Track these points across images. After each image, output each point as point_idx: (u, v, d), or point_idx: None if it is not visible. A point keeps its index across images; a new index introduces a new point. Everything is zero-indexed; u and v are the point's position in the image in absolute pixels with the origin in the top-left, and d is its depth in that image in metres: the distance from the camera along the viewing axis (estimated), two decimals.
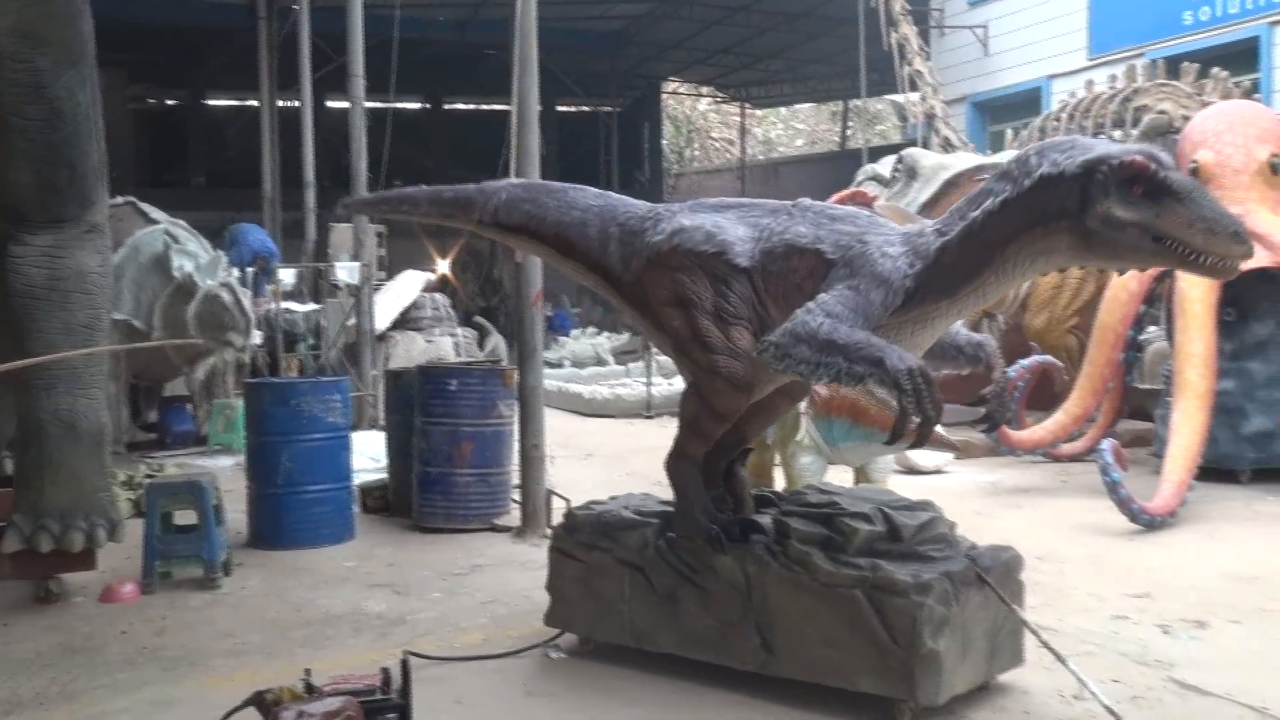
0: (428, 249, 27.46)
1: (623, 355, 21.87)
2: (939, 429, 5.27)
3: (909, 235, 4.66)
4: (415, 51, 22.31)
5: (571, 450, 12.08)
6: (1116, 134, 14.43)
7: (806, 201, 5.04)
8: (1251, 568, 6.97)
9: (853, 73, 23.24)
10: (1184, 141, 10.15)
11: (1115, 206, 4.11)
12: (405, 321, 15.89)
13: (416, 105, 35.05)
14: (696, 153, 48.07)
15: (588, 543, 5.43)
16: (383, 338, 14.97)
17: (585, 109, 37.00)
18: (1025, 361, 9.39)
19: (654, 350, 17.35)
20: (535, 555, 7.26)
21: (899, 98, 20.17)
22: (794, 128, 49.47)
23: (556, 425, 12.05)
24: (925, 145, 17.48)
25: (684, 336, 4.97)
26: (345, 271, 13.83)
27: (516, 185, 5.71)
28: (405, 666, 4.31)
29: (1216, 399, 9.04)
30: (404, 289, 16.28)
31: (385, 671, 4.32)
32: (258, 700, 4.05)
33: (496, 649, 5.58)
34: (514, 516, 8.42)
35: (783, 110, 46.63)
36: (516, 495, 8.49)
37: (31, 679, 5.33)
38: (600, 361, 21.38)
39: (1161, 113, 13.58)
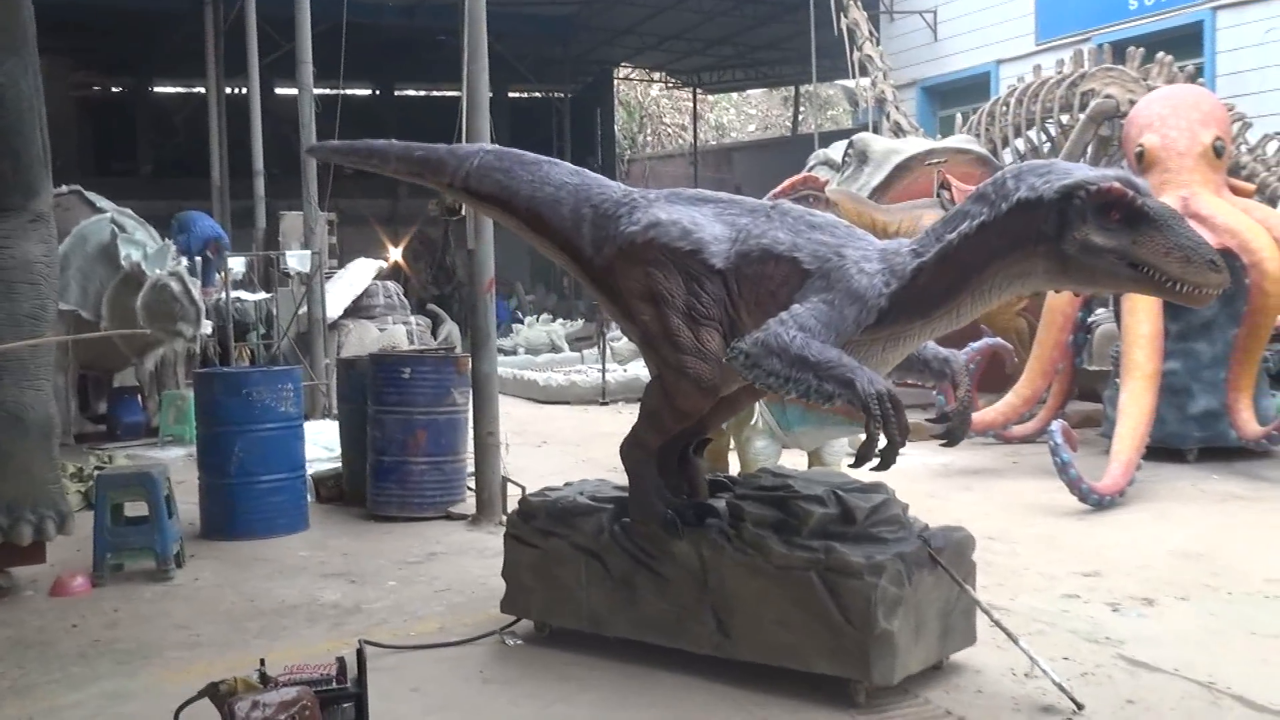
0: (379, 236, 27.30)
1: (577, 342, 21.87)
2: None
3: (886, 252, 4.63)
4: (365, 37, 22.13)
5: (526, 437, 12.06)
6: (1064, 118, 14.59)
7: (786, 204, 4.99)
8: (1198, 545, 7.08)
9: (804, 58, 23.28)
10: (1130, 125, 10.27)
11: (1092, 232, 4.12)
12: (357, 310, 15.81)
13: (366, 92, 34.78)
14: (649, 138, 48.02)
15: (543, 529, 5.43)
16: (335, 326, 14.88)
17: (537, 95, 36.87)
18: (975, 344, 9.47)
19: (609, 337, 17.37)
20: (491, 543, 7.25)
21: (850, 83, 20.21)
22: (746, 113, 49.55)
23: (511, 412, 12.06)
24: (876, 130, 17.58)
25: (653, 332, 4.92)
26: (296, 260, 13.73)
27: (489, 152, 5.56)
28: (361, 656, 4.30)
29: (1163, 379, 9.16)
30: (356, 277, 16.19)
31: (341, 661, 4.31)
32: (212, 691, 4.03)
33: (452, 637, 5.58)
34: (469, 504, 8.41)
35: (735, 95, 46.68)
36: (471, 483, 8.48)
37: None
38: (555, 348, 21.35)
39: (1108, 97, 13.75)
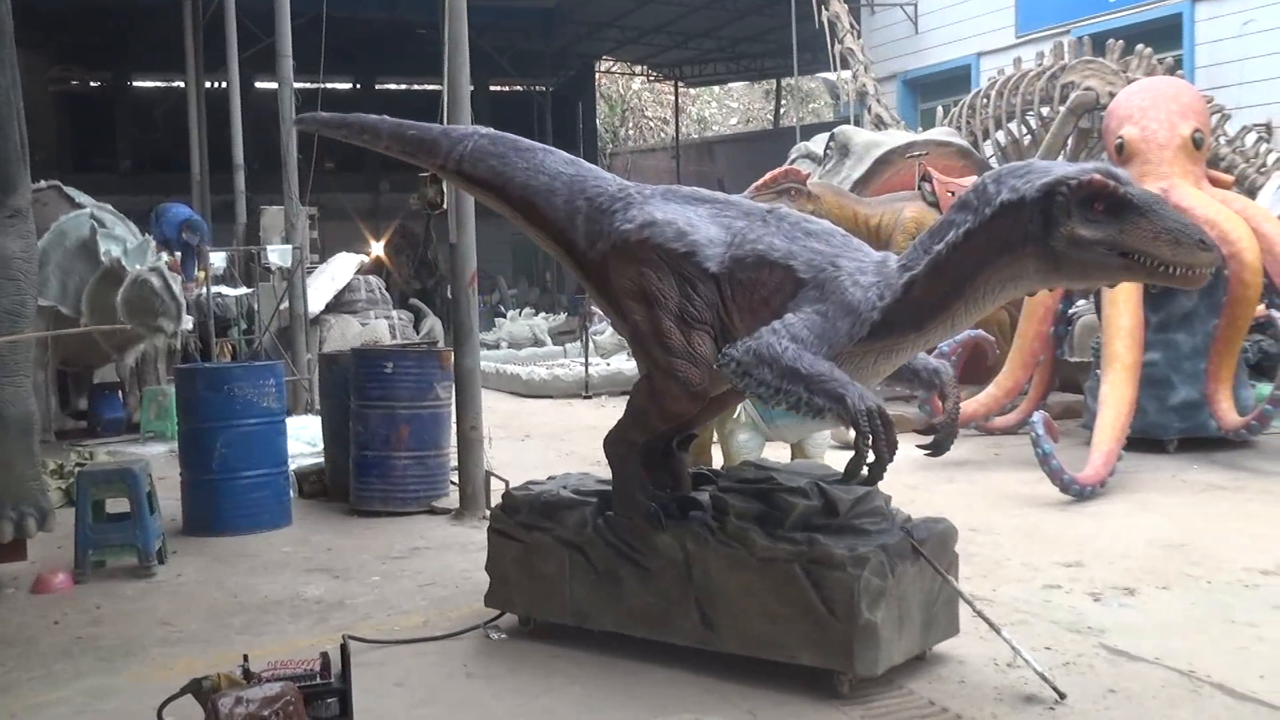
0: (361, 231, 27.23)
1: (560, 336, 21.86)
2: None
3: (881, 264, 4.62)
4: (345, 31, 22.09)
5: (509, 431, 12.06)
6: (1044, 110, 14.64)
7: (783, 209, 4.98)
8: (1179, 535, 7.11)
9: (785, 51, 23.31)
10: (1110, 117, 10.30)
11: (1079, 226, 4.12)
12: (339, 304, 15.76)
13: (347, 85, 34.66)
14: (631, 132, 48.00)
15: (527, 523, 5.43)
16: (317, 321, 14.84)
17: (518, 89, 36.79)
18: (957, 336, 9.49)
19: (591, 331, 17.38)
20: (474, 537, 7.25)
21: (831, 76, 20.21)
22: (728, 106, 49.56)
23: (494, 406, 12.04)
24: (857, 123, 17.59)
25: (644, 332, 4.90)
26: (277, 254, 13.67)
27: (484, 136, 5.50)
28: (345, 650, 4.29)
29: (1144, 371, 9.20)
30: (338, 272, 16.13)
31: (325, 656, 4.30)
32: (196, 688, 4.02)
33: (436, 631, 5.58)
34: (452, 499, 8.40)
35: (716, 89, 46.69)
36: (455, 477, 8.47)
37: None
38: (538, 342, 21.35)
39: (1088, 89, 13.81)
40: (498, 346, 20.62)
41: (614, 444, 5.16)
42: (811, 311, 4.53)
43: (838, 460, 5.00)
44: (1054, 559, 6.64)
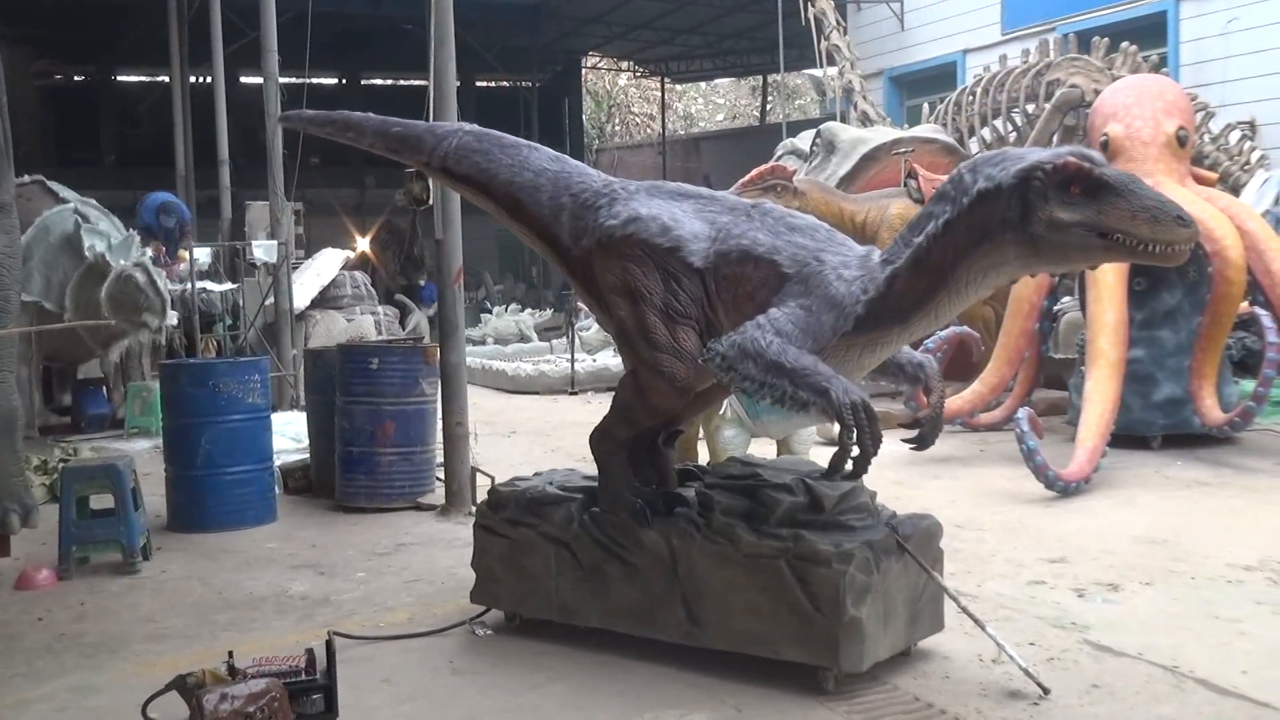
0: (347, 226, 27.16)
1: (546, 332, 21.84)
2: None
3: (865, 258, 4.64)
4: (330, 26, 21.99)
5: (495, 427, 12.04)
6: (1030, 107, 14.67)
7: (768, 204, 4.98)
8: (1162, 531, 7.14)
9: (771, 48, 23.30)
10: (1095, 115, 10.33)
11: (1057, 210, 4.14)
12: (325, 300, 15.73)
13: (333, 81, 34.53)
14: (617, 128, 47.96)
15: (513, 519, 5.43)
16: (302, 317, 14.81)
17: (504, 84, 36.70)
18: (943, 333, 9.52)
19: (577, 327, 17.36)
20: (460, 533, 7.24)
21: (817, 72, 20.19)
22: (714, 102, 49.56)
23: (480, 402, 12.03)
24: (843, 120, 17.60)
25: (629, 327, 4.91)
26: (262, 250, 13.63)
27: (468, 133, 5.53)
28: (330, 647, 4.29)
29: (1128, 367, 9.23)
30: (323, 267, 16.11)
31: (310, 652, 4.30)
32: (180, 684, 4.02)
33: (422, 627, 5.58)
34: (438, 495, 8.39)
35: (703, 85, 46.67)
36: (440, 473, 8.46)
37: None
38: (524, 338, 21.33)
39: (1073, 86, 13.85)
40: (484, 342, 20.59)
41: (600, 440, 5.16)
42: (796, 306, 4.54)
43: (823, 457, 5.01)
44: (1038, 555, 6.66)
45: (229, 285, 15.64)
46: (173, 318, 12.39)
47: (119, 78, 33.90)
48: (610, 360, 15.59)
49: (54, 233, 11.75)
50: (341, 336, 14.03)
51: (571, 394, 15.43)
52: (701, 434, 7.81)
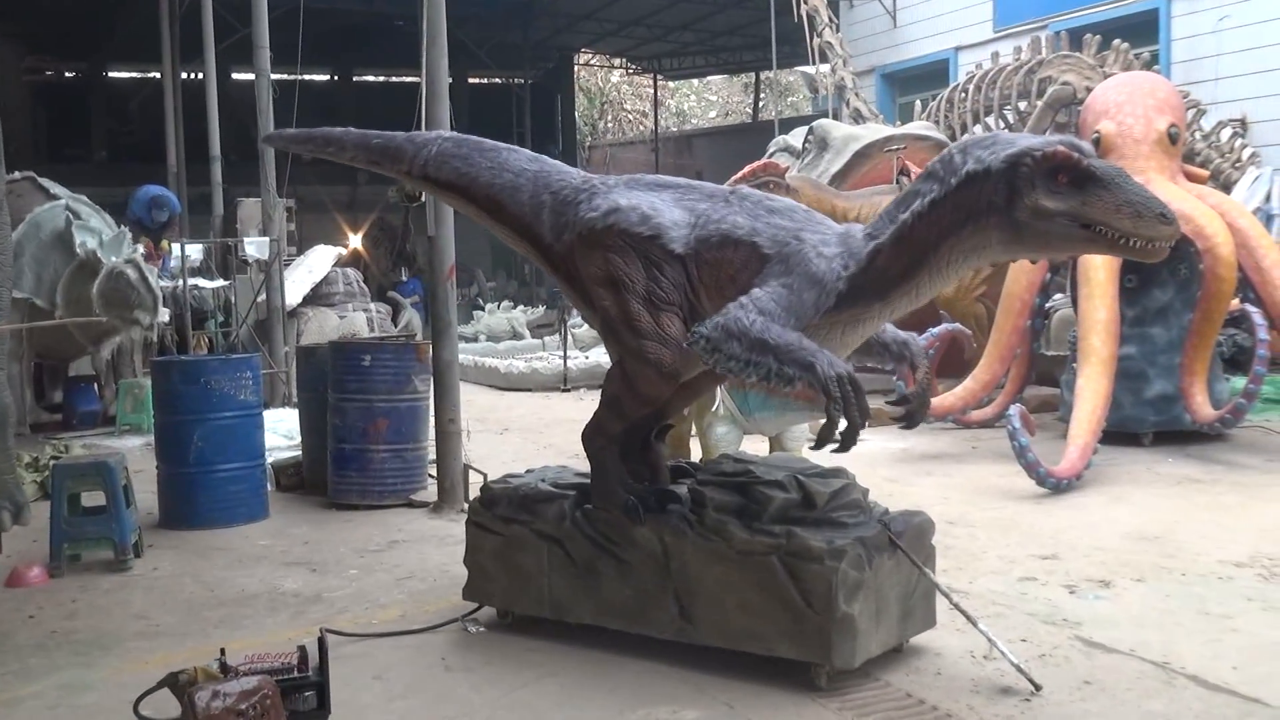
0: (339, 223, 27.11)
1: (538, 329, 21.84)
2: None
3: (844, 236, 4.66)
4: (323, 22, 21.96)
5: (488, 424, 12.05)
6: (1022, 105, 14.69)
7: (745, 189, 5.01)
8: (1153, 528, 7.16)
9: (764, 45, 23.32)
10: (1086, 112, 10.34)
11: (1042, 197, 4.15)
12: (317, 297, 15.71)
13: (325, 77, 34.49)
14: (610, 125, 47.95)
15: (505, 516, 5.43)
16: (294, 314, 14.78)
17: (497, 81, 36.66)
18: (935, 330, 9.53)
19: (570, 324, 17.36)
20: (453, 530, 7.25)
21: (809, 69, 20.21)
22: (706, 99, 49.57)
23: (472, 399, 12.04)
24: (836, 116, 17.62)
25: (613, 317, 4.92)
26: (254, 247, 13.61)
27: (448, 139, 5.57)
28: (322, 644, 4.29)
29: (1119, 364, 9.25)
30: (315, 264, 16.08)
31: (302, 650, 4.30)
32: (172, 682, 4.01)
33: (414, 624, 5.57)
34: (430, 492, 8.39)
35: (695, 82, 46.69)
36: (433, 470, 8.46)
37: None
38: (516, 335, 21.32)
39: (1065, 84, 13.86)
40: (476, 339, 20.58)
41: (592, 437, 5.17)
42: (777, 285, 4.56)
43: (818, 455, 5.01)
44: (1030, 551, 6.68)
45: (221, 282, 15.62)
46: (164, 314, 12.38)
47: (110, 74, 33.82)
48: (602, 357, 15.56)
49: (45, 229, 11.73)
50: (334, 333, 14.01)
51: (564, 391, 15.44)
52: (694, 430, 7.83)
